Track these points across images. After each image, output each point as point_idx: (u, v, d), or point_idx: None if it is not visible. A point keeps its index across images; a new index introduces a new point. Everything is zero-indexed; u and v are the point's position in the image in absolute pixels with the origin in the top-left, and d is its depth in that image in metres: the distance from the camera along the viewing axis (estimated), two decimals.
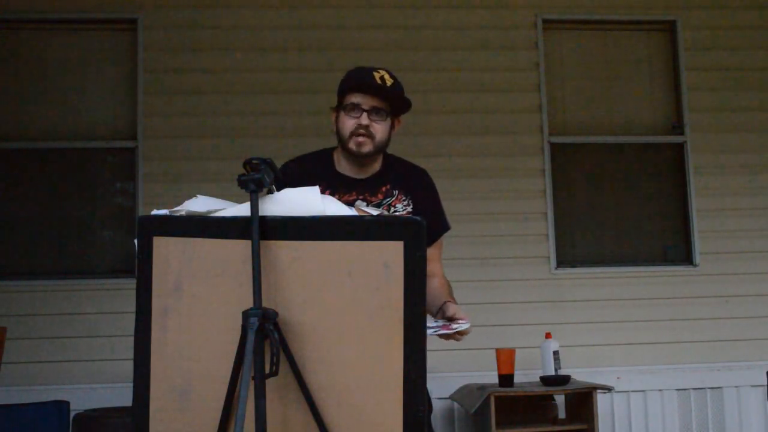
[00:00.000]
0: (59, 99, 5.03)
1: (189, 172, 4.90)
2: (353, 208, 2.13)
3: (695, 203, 5.21)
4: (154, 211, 2.12)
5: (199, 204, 2.08)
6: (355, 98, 2.49)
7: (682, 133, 5.30)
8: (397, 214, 2.56)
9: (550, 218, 5.10)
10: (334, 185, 2.55)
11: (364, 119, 2.47)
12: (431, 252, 2.61)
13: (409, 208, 2.59)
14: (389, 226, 1.95)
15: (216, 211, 2.06)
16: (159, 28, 5.04)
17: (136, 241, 2.08)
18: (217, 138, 4.98)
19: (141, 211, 4.76)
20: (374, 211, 2.21)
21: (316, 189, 2.05)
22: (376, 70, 2.50)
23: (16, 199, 4.98)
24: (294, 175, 2.50)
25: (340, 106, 2.54)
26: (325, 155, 2.65)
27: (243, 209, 2.01)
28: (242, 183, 1.98)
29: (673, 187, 5.31)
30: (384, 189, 2.60)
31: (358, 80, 2.49)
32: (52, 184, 4.99)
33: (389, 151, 2.68)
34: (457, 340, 2.28)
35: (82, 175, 5.03)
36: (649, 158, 5.38)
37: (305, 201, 2.02)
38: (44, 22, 5.06)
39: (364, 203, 2.55)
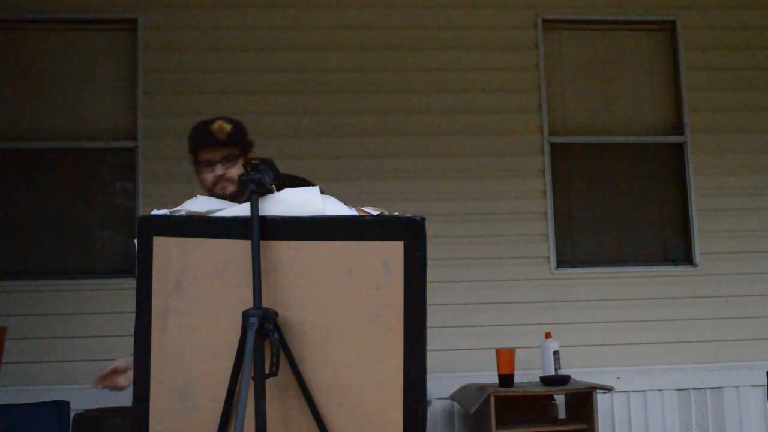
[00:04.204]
0: (59, 99, 5.02)
1: (189, 172, 4.86)
2: (353, 208, 2.13)
3: (695, 203, 5.21)
4: (154, 211, 2.12)
5: (199, 204, 2.09)
6: (205, 155, 2.61)
7: (682, 133, 5.29)
8: None
9: (550, 218, 5.10)
10: None
11: (219, 170, 2.59)
12: None
13: None
14: (389, 226, 1.95)
15: (216, 211, 2.06)
16: (159, 28, 5.04)
17: (136, 241, 2.08)
18: None
19: (141, 211, 4.75)
20: (374, 211, 2.21)
21: (316, 189, 2.05)
22: (212, 122, 2.61)
23: (16, 199, 4.97)
24: None
25: (196, 163, 2.67)
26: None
27: (243, 209, 2.01)
28: (242, 183, 1.98)
29: (673, 187, 5.31)
30: None
31: (201, 139, 2.61)
32: (52, 184, 4.99)
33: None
34: None
35: (82, 175, 5.03)
36: (649, 158, 5.38)
37: (305, 201, 2.02)
38: (44, 22, 5.06)
39: None
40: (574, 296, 5.05)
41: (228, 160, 2.61)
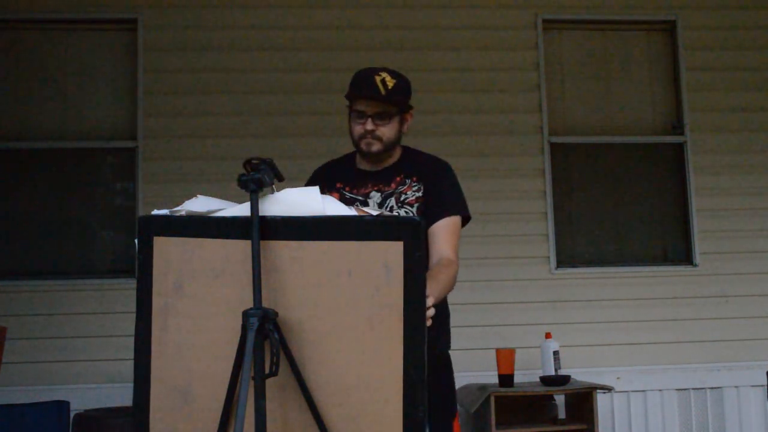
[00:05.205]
0: (59, 99, 5.03)
1: (189, 172, 4.90)
2: (353, 208, 2.13)
3: (695, 203, 5.21)
4: (154, 211, 2.12)
5: (199, 204, 2.08)
6: (359, 105, 2.55)
7: (682, 133, 5.29)
8: (406, 200, 2.60)
9: (550, 218, 5.10)
10: (352, 180, 2.65)
11: (369, 125, 2.53)
12: (431, 231, 2.52)
13: (419, 194, 2.60)
14: (389, 226, 1.95)
15: (216, 211, 2.05)
16: (159, 28, 5.04)
17: (136, 240, 2.08)
18: (217, 138, 4.98)
19: (141, 211, 4.75)
20: (374, 212, 2.20)
21: (316, 189, 2.05)
22: (378, 72, 2.53)
23: (16, 199, 4.97)
24: (319, 179, 2.63)
25: (350, 110, 2.61)
26: (350, 156, 2.74)
27: (243, 209, 2.01)
28: (242, 183, 1.98)
29: (673, 187, 5.31)
30: (398, 179, 2.65)
31: (360, 88, 2.53)
32: (52, 184, 4.99)
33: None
34: None
35: (82, 175, 5.03)
36: (649, 158, 5.38)
37: (305, 201, 2.02)
38: (44, 22, 5.06)
39: (379, 193, 2.61)
40: (574, 296, 5.05)
41: (381, 117, 2.54)
